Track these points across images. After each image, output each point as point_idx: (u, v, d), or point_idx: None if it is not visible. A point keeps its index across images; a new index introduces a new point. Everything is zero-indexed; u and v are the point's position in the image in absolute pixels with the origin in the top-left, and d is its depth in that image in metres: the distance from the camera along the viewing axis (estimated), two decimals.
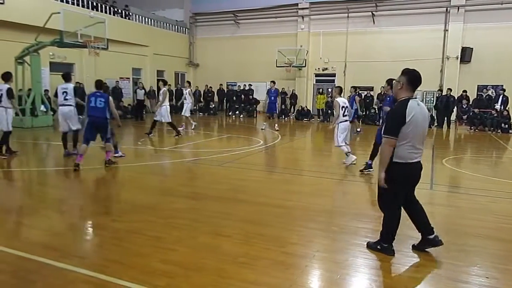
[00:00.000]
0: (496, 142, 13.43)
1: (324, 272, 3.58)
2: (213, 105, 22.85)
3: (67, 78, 8.92)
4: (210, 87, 23.47)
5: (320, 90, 21.88)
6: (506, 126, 16.17)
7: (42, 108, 14.82)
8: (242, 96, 22.47)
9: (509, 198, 6.28)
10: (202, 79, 24.30)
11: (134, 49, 21.45)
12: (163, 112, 12.33)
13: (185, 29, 25.59)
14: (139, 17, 22.32)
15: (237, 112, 22.20)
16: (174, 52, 24.35)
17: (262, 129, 14.89)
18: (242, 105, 22.31)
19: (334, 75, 22.18)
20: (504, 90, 17.01)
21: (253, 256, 3.77)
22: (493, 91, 17.80)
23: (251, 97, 22.28)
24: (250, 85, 22.74)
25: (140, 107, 18.96)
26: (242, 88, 22.88)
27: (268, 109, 15.70)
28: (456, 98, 17.86)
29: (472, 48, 18.75)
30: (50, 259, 3.57)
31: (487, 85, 18.28)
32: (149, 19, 22.98)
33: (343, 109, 8.35)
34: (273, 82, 15.86)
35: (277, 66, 21.85)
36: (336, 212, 5.24)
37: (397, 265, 3.66)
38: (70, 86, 8.85)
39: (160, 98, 12.43)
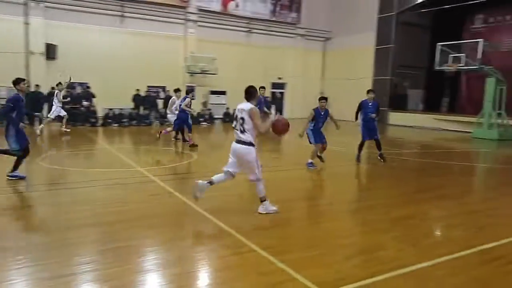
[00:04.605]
0: (87, 136, 14.49)
1: None
2: None
3: None
4: None
5: None
6: (94, 120, 17.88)
7: None
8: None
9: (102, 185, 6.98)
10: None
11: None
12: None
13: None
14: None
15: None
16: None
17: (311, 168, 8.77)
18: None
19: None
20: (89, 87, 18.56)
21: None
22: (80, 87, 18.95)
23: None
24: None
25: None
26: None
27: (315, 139, 8.90)
28: (45, 94, 17.66)
29: (56, 45, 18.99)
30: None
31: (74, 82, 19.16)
32: None
33: None
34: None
35: None
36: None
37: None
38: None
39: None
